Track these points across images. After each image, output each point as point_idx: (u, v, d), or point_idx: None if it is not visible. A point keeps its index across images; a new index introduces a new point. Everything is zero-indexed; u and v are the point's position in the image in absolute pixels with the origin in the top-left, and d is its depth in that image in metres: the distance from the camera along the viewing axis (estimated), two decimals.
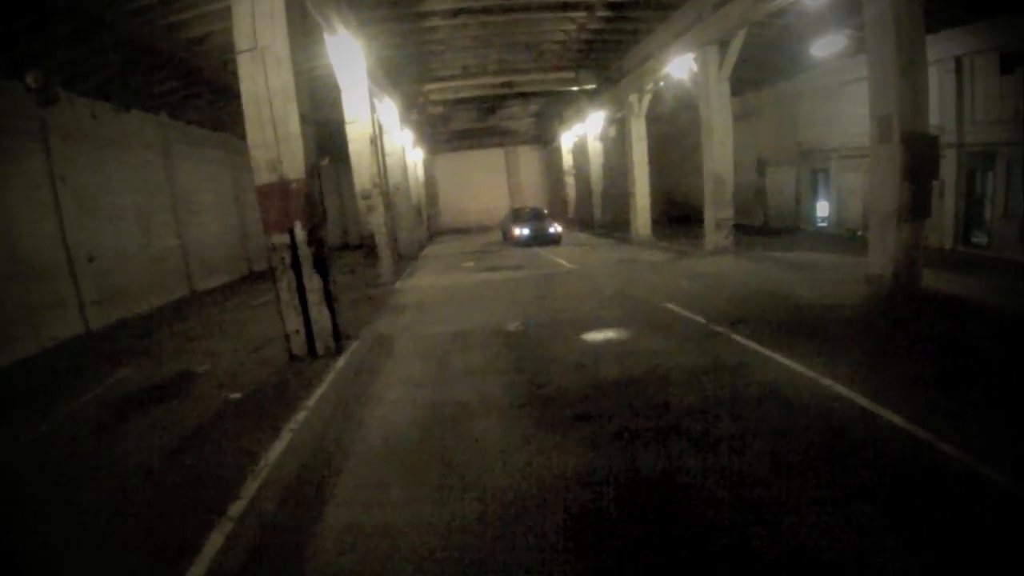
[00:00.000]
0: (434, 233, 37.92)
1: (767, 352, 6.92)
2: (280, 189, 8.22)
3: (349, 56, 14.01)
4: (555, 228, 24.70)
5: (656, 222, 23.72)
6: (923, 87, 9.77)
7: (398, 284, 15.42)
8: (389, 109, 21.11)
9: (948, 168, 14.48)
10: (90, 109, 14.08)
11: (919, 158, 9.61)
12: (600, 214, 30.67)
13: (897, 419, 4.89)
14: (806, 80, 21.01)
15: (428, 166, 39.38)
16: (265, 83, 8.12)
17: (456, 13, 16.41)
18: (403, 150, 23.41)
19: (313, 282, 8.39)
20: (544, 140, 39.35)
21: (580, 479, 4.36)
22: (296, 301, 8.40)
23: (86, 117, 13.88)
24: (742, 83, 22.06)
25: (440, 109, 25.71)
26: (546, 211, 28.75)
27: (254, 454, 5.32)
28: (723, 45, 15.35)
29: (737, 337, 7.62)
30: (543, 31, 19.16)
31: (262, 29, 8.06)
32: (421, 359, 8.01)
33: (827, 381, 5.82)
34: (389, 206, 18.15)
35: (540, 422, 5.46)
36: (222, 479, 4.92)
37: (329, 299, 8.53)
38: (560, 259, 18.37)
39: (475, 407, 5.99)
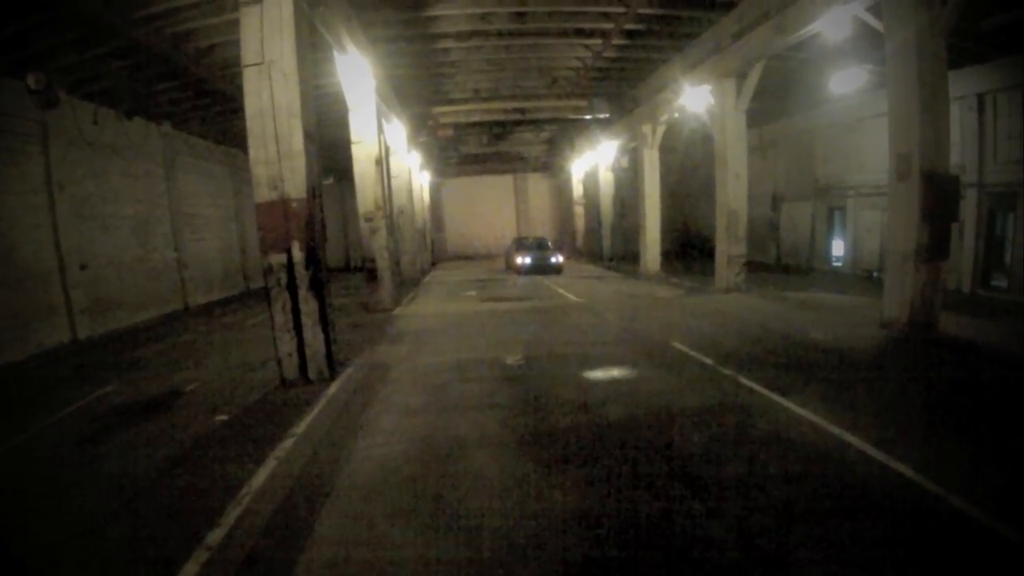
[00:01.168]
0: (439, 259, 38.00)
1: (775, 397, 6.84)
2: (280, 207, 8.23)
3: (357, 74, 14.12)
4: (557, 258, 25.77)
5: (668, 256, 23.77)
6: (944, 124, 9.77)
7: (398, 310, 15.38)
8: (397, 130, 21.26)
9: (968, 208, 14.50)
10: (92, 115, 14.25)
11: (939, 198, 9.59)
12: (609, 246, 30.74)
13: (908, 471, 4.80)
14: (824, 114, 21.17)
15: (435, 190, 39.61)
16: (271, 98, 8.17)
17: (469, 35, 16.57)
18: (409, 172, 23.55)
19: (309, 305, 8.36)
20: (555, 168, 39.61)
21: (578, 522, 4.27)
22: (290, 324, 8.37)
23: (87, 122, 14.03)
24: (759, 115, 22.21)
25: (449, 132, 25.84)
26: (549, 241, 29.46)
27: (238, 481, 5.24)
28: (740, 77, 15.49)
29: (745, 380, 7.54)
30: (557, 57, 19.32)
31: (270, 43, 8.14)
32: (417, 389, 7.94)
33: (836, 429, 5.74)
34: (392, 230, 18.18)
35: (538, 461, 5.38)
36: (203, 505, 4.85)
37: (324, 323, 8.49)
38: (566, 291, 18.34)
39: (471, 442, 5.90)
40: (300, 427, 6.53)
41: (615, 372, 8.30)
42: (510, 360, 9.23)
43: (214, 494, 5.05)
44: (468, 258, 39.02)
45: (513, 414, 6.70)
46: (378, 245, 15.29)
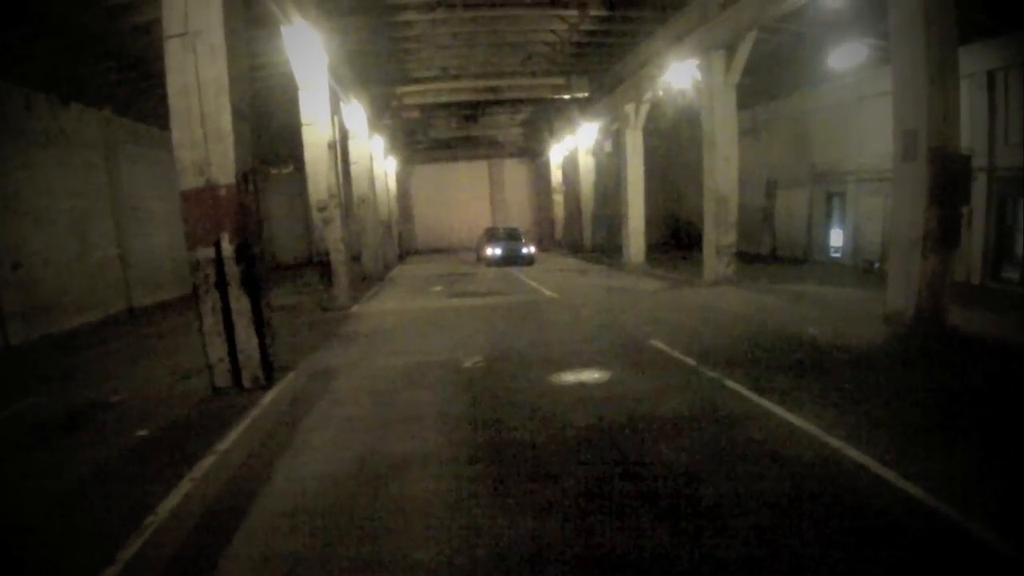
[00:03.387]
0: (408, 252, 37.58)
1: (764, 402, 6.45)
2: (207, 195, 7.76)
3: (307, 50, 13.66)
4: (528, 249, 26.40)
5: (655, 247, 23.56)
6: (954, 97, 9.40)
7: (355, 308, 14.96)
8: (356, 112, 20.79)
9: (978, 194, 14.22)
10: (24, 100, 13.74)
11: (948, 179, 9.23)
12: (591, 236, 30.43)
13: (919, 492, 4.38)
14: (822, 94, 20.89)
15: (403, 178, 39.09)
16: (195, 74, 7.69)
17: (433, 6, 16.18)
18: (371, 158, 23.03)
19: (241, 304, 7.91)
20: (532, 153, 39.22)
21: (529, 556, 3.88)
22: (220, 326, 7.90)
23: (18, 109, 13.53)
24: (752, 95, 21.95)
25: (416, 114, 25.47)
26: (522, 231, 29.59)
27: (146, 507, 4.84)
28: (730, 49, 15.12)
29: (731, 383, 7.15)
30: (531, 31, 18.97)
31: (195, 12, 7.66)
32: (362, 398, 7.50)
33: (834, 440, 5.34)
34: (348, 220, 17.69)
35: (487, 482, 4.95)
36: (105, 534, 4.40)
37: (259, 325, 8.04)
38: (541, 286, 17.99)
39: (414, 460, 5.47)
40: (224, 443, 6.08)
41: (584, 375, 7.90)
42: (469, 363, 8.82)
43: (116, 523, 4.62)
44: (440, 251, 38.54)
45: (465, 426, 6.29)
46: (333, 237, 14.83)
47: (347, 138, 21.38)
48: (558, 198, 35.09)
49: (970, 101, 14.10)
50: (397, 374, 8.46)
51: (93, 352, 11.54)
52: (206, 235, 7.83)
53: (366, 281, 21.30)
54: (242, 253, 7.87)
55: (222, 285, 7.88)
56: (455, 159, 40.08)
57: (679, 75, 17.01)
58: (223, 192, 7.77)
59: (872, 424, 5.72)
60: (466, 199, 40.63)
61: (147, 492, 5.08)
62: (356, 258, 23.31)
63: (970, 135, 13.95)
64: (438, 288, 19.08)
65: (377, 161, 26.97)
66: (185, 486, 5.17)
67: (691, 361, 8.20)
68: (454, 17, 16.98)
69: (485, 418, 6.48)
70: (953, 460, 4.97)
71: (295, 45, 13.34)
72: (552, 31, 18.70)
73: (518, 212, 40.59)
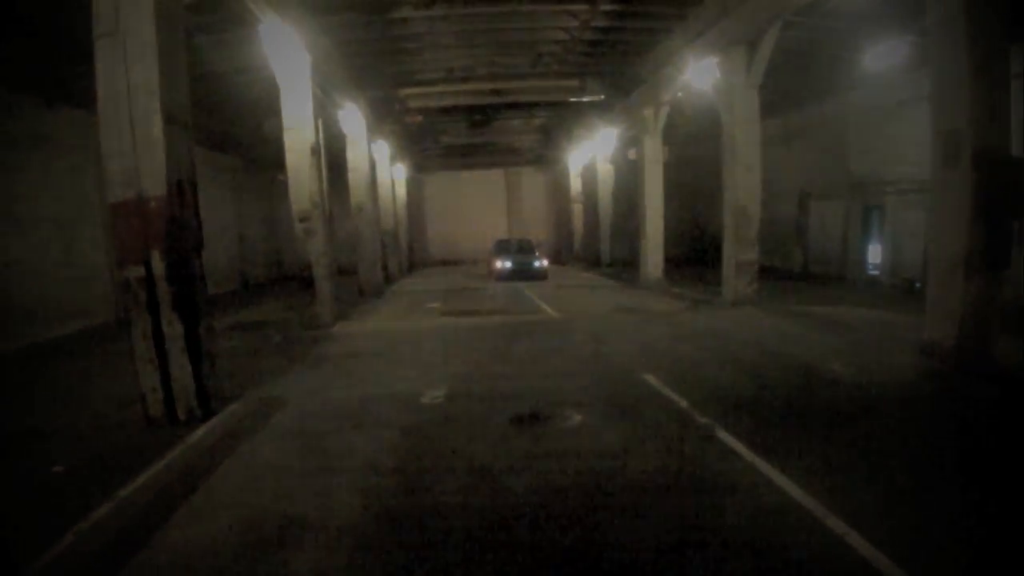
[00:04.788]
0: (419, 264, 37.18)
1: (761, 465, 5.43)
2: (136, 208, 7.26)
3: (288, 50, 13.23)
4: (540, 263, 25.76)
5: (678, 262, 22.83)
6: (1004, 94, 8.41)
7: (337, 327, 14.35)
8: (354, 116, 20.31)
9: None
10: (4, 102, 13.63)
11: (998, 188, 8.23)
12: (609, 250, 29.58)
13: None
14: (859, 98, 20.04)
15: (413, 186, 38.68)
16: (125, 76, 7.27)
17: (430, 3, 15.70)
18: (372, 166, 22.53)
19: (174, 329, 7.37)
20: (550, 161, 38.30)
21: None
22: (152, 353, 7.38)
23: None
24: (783, 101, 21.22)
25: (419, 118, 25.02)
26: (536, 243, 28.93)
27: (30, 557, 4.36)
28: (751, 46, 14.30)
29: (724, 435, 6.19)
30: (538, 28, 18.25)
31: (126, 9, 7.21)
32: (293, 439, 6.71)
33: (839, 526, 4.33)
34: (333, 232, 17.10)
35: (386, 567, 4.15)
36: None
37: (196, 352, 7.44)
38: (544, 304, 17.27)
39: (311, 525, 4.72)
40: (126, 489, 5.57)
41: (554, 420, 7.02)
42: (427, 398, 8.01)
43: None
44: (452, 263, 37.94)
45: (390, 482, 5.48)
46: (315, 250, 14.27)
47: (345, 145, 21.04)
48: (577, 208, 34.27)
49: (1018, 104, 13.26)
50: (345, 410, 7.67)
51: (60, 368, 11.14)
52: (135, 252, 7.30)
53: (363, 296, 20.84)
54: (175, 272, 7.33)
55: (154, 308, 7.40)
56: (469, 167, 39.36)
57: (699, 76, 16.30)
58: (153, 205, 7.24)
59: (892, 501, 4.74)
60: (481, 209, 39.96)
61: (40, 537, 4.60)
62: (353, 271, 22.89)
63: (1018, 141, 13.13)
64: (435, 305, 18.36)
65: (381, 168, 26.56)
66: (70, 538, 4.69)
67: (683, 403, 7.27)
68: (454, 14, 16.40)
69: (418, 473, 5.68)
70: (986, 550, 4.01)
71: (274, 44, 12.87)
72: (562, 28, 18.00)
73: (535, 223, 39.83)
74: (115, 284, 17.05)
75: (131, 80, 7.18)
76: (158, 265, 7.27)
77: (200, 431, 7.07)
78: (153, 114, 7.20)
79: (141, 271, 7.29)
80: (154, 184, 7.23)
